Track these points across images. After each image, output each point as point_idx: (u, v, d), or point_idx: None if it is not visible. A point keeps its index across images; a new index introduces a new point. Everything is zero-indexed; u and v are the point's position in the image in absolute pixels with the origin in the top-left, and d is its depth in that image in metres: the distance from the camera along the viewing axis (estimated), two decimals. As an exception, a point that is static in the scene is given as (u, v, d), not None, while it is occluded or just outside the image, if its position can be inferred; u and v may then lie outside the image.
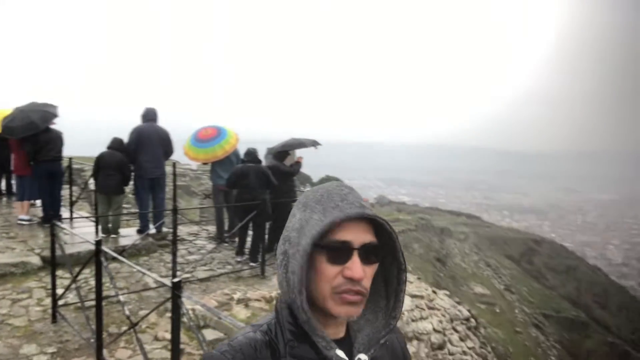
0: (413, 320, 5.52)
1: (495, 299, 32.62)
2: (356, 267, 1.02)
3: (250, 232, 8.13)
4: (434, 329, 5.62)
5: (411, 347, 5.12)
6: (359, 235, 1.04)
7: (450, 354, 5.73)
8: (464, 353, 5.97)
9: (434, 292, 6.57)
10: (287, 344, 1.07)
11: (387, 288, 1.17)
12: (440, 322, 5.76)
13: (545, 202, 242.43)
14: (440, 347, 5.58)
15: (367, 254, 1.05)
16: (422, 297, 6.00)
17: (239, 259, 7.98)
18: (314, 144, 8.62)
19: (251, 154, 7.99)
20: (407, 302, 5.82)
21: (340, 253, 1.04)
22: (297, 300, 1.05)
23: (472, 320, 6.63)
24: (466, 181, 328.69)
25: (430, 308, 5.97)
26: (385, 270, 1.16)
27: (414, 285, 6.68)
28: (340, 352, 1.07)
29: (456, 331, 6.04)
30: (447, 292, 7.79)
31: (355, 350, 1.13)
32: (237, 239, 8.28)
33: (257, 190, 7.56)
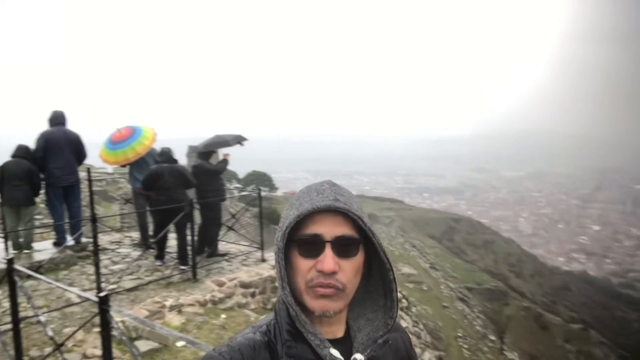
0: None
1: (422, 278, 34.21)
2: (327, 260, 1.01)
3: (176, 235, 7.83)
4: None
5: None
6: (331, 228, 1.03)
7: None
8: None
9: None
10: (285, 343, 1.06)
11: (384, 286, 1.16)
12: None
13: (461, 183, 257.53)
14: None
15: (341, 247, 1.03)
16: None
17: (158, 264, 7.67)
18: (239, 140, 8.41)
19: (165, 154, 7.62)
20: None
21: (312, 246, 1.03)
22: (284, 297, 1.06)
23: (404, 300, 6.86)
24: (388, 167, 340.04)
25: None
26: (380, 268, 1.14)
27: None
28: (334, 352, 1.06)
29: None
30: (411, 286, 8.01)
31: (354, 350, 1.11)
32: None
33: (174, 191, 7.22)
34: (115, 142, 8.49)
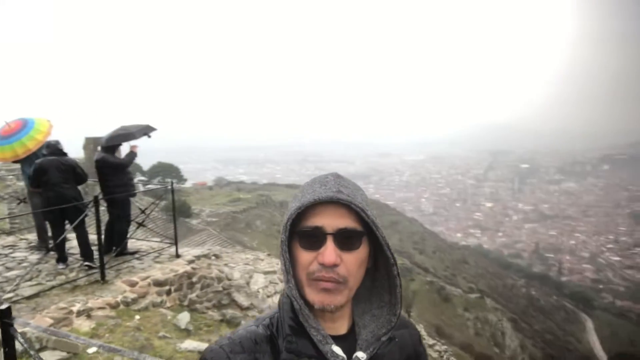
0: (268, 296, 5.69)
1: (334, 262, 35.18)
2: (328, 252, 1.00)
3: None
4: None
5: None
6: (333, 220, 1.02)
7: None
8: None
9: None
10: (285, 338, 1.05)
11: (389, 281, 1.13)
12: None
13: (369, 167, 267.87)
14: None
15: (343, 239, 1.02)
16: (274, 272, 6.18)
17: (61, 267, 7.12)
18: (147, 131, 7.97)
19: (51, 146, 7.02)
20: (261, 280, 5.97)
21: (313, 239, 1.02)
22: (288, 290, 1.06)
23: None
24: (301, 154, 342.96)
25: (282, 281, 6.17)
26: (385, 262, 1.12)
27: (265, 262, 6.84)
28: (336, 349, 1.04)
29: None
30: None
31: (357, 347, 1.09)
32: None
33: (62, 187, 6.71)
34: (3, 137, 7.65)
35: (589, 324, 61.74)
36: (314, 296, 1.02)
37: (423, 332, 27.29)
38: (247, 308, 5.55)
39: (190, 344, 4.83)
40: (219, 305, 5.64)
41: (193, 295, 5.99)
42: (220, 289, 5.84)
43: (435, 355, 23.04)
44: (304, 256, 1.03)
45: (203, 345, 4.77)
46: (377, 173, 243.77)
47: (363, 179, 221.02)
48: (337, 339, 1.08)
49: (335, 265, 1.00)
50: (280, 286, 6.18)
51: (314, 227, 1.02)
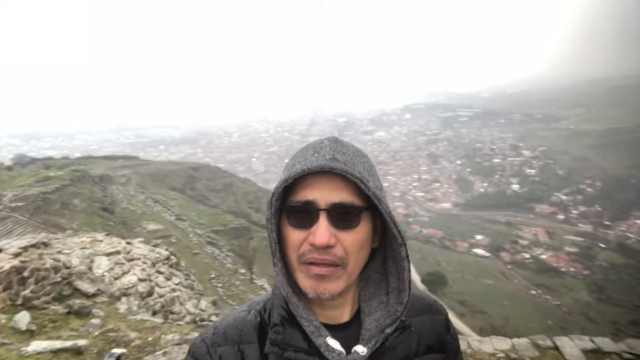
0: (116, 278, 5.51)
1: (169, 231, 34.14)
2: (320, 231, 0.85)
3: None
4: (139, 279, 5.78)
5: (121, 305, 5.21)
6: (327, 194, 0.87)
7: (160, 296, 6.07)
8: (173, 290, 6.42)
9: (129, 243, 6.61)
10: (272, 328, 0.93)
11: (396, 264, 0.99)
12: (144, 270, 5.95)
13: (196, 131, 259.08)
14: (149, 293, 5.84)
15: (339, 216, 0.87)
16: (118, 252, 5.97)
17: None
18: None
19: None
20: (104, 263, 5.74)
21: (303, 215, 0.88)
22: (275, 275, 0.94)
23: (173, 257, 7.07)
24: (115, 123, 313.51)
25: (129, 260, 6.04)
26: (392, 242, 0.97)
27: (104, 243, 6.50)
28: (332, 342, 0.92)
29: (160, 273, 6.35)
30: (142, 239, 7.92)
31: (361, 340, 0.95)
32: None
33: None
34: None
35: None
36: (306, 283, 0.89)
37: (266, 285, 28.75)
38: (95, 295, 5.29)
39: (38, 345, 4.49)
40: (60, 298, 5.25)
41: (27, 292, 5.47)
42: (59, 279, 5.41)
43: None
44: (294, 235, 0.89)
45: (55, 344, 4.49)
46: (205, 136, 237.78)
47: (190, 143, 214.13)
48: (337, 329, 0.95)
49: (329, 247, 0.86)
50: (128, 265, 6.05)
51: (304, 201, 0.87)
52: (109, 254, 5.71)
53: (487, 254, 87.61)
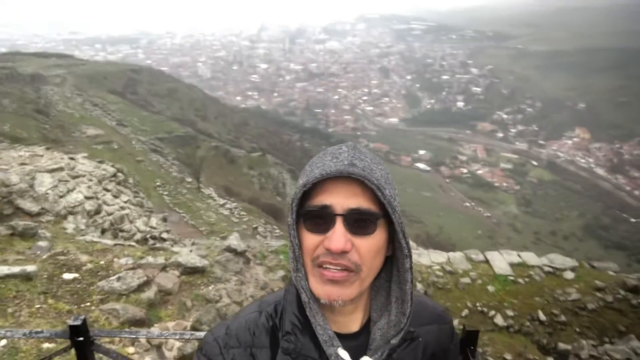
0: (61, 197, 5.27)
1: (110, 137, 32.83)
2: (336, 236, 0.85)
3: None
4: (86, 197, 5.56)
5: (68, 224, 5.05)
6: (344, 199, 0.87)
7: (109, 214, 5.92)
8: (122, 208, 6.28)
9: (72, 159, 6.26)
10: (284, 337, 0.93)
11: (399, 274, 0.99)
12: (90, 187, 5.71)
13: (136, 30, 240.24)
14: (97, 211, 5.68)
15: (356, 222, 0.87)
16: (61, 169, 5.65)
17: None
18: None
19: None
20: (47, 180, 5.44)
21: (320, 220, 0.88)
22: (296, 280, 0.93)
23: (120, 174, 6.82)
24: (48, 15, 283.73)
25: (74, 177, 5.75)
26: (397, 254, 0.97)
27: (45, 157, 6.10)
28: (342, 353, 0.91)
29: (108, 190, 6.14)
30: (86, 154, 7.53)
31: (369, 350, 0.96)
32: None
33: None
34: None
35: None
36: (319, 288, 0.89)
37: (213, 194, 28.93)
38: (38, 214, 5.05)
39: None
40: (1, 217, 4.97)
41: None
42: (-2, 197, 5.09)
43: (227, 212, 25.04)
44: (309, 239, 0.89)
45: (1, 269, 4.20)
46: (146, 36, 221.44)
47: (130, 42, 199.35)
48: (347, 338, 0.95)
49: (344, 252, 0.85)
50: (72, 183, 5.78)
51: (320, 206, 0.87)
52: (51, 171, 5.40)
53: (428, 168, 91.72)
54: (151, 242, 5.85)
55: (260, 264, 5.56)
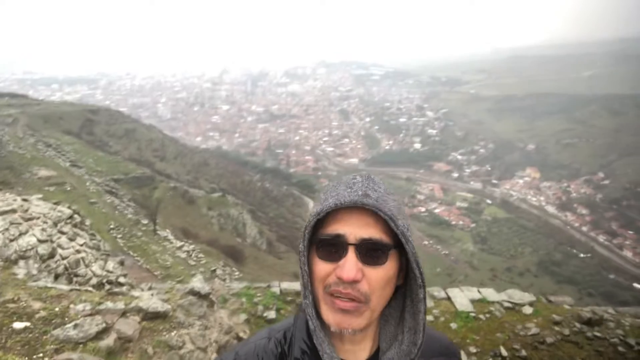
0: (12, 240, 5.00)
1: (64, 178, 31.72)
2: (347, 265, 0.86)
3: None
4: (39, 240, 5.28)
5: (19, 269, 4.77)
6: (357, 229, 0.89)
7: (63, 258, 5.64)
8: (78, 251, 6.00)
9: (25, 200, 5.98)
10: None
11: (412, 305, 1.00)
12: (44, 230, 5.44)
13: (93, 70, 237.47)
14: (51, 255, 5.39)
15: (368, 252, 0.89)
16: (14, 210, 5.38)
17: None
18: None
19: None
20: (-2, 223, 5.16)
21: (332, 249, 0.90)
22: (305, 307, 0.94)
23: (77, 216, 6.55)
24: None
25: (27, 220, 5.48)
26: (411, 284, 0.98)
27: (-5, 200, 5.82)
28: None
29: (63, 233, 5.87)
30: (40, 196, 7.23)
31: None
32: None
33: None
34: None
35: (312, 205, 73.61)
36: (330, 317, 0.89)
37: (170, 236, 28.15)
38: None
39: None
40: None
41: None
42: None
43: (184, 255, 24.35)
44: (321, 267, 0.90)
45: None
46: (105, 77, 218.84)
47: (88, 83, 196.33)
48: None
49: (355, 282, 0.87)
50: (25, 225, 5.49)
51: (334, 235, 0.89)
52: (2, 213, 5.13)
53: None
54: (108, 286, 5.60)
55: (223, 307, 5.41)
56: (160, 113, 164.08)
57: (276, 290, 7.78)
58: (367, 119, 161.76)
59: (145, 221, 28.92)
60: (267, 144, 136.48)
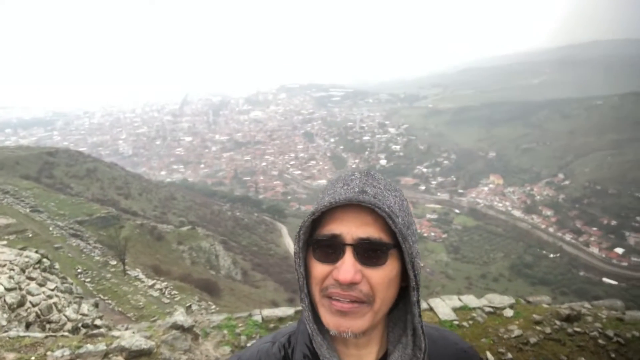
0: None
1: (23, 225, 30.52)
2: (345, 267, 0.81)
3: None
4: (6, 289, 4.99)
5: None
6: (354, 228, 0.84)
7: (34, 305, 5.35)
8: (49, 297, 5.71)
9: None
10: None
11: (405, 307, 0.96)
12: (11, 278, 5.15)
13: (50, 112, 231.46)
14: (21, 303, 5.10)
15: (366, 252, 0.83)
16: None
17: None
18: None
19: None
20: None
21: (329, 250, 0.85)
22: (302, 311, 0.90)
23: (46, 260, 6.26)
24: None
25: None
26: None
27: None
28: None
29: (32, 279, 5.58)
30: (5, 242, 6.90)
31: None
32: None
33: None
34: None
35: (284, 230, 73.19)
36: (328, 319, 0.84)
37: (141, 275, 27.34)
38: None
39: None
40: None
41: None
42: None
43: (156, 293, 23.67)
44: (318, 270, 0.86)
45: None
46: (61, 117, 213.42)
47: (44, 125, 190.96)
48: None
49: (353, 284, 0.82)
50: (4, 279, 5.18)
51: (330, 235, 0.84)
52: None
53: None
54: (84, 330, 5.35)
55: (206, 340, 5.24)
56: (122, 150, 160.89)
57: (258, 318, 7.62)
58: (332, 140, 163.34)
59: (113, 262, 28.15)
60: (233, 173, 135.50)
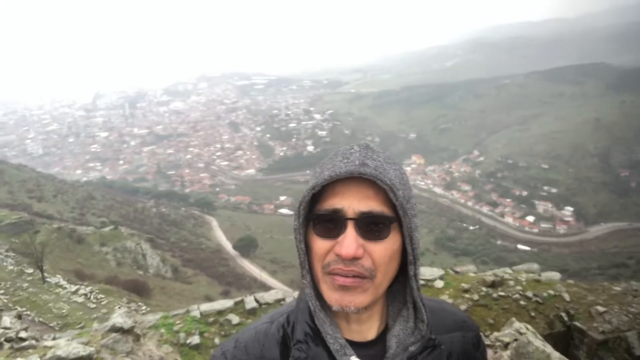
0: None
1: None
2: (347, 242, 0.80)
3: None
4: None
5: None
6: (356, 202, 0.82)
7: None
8: None
9: None
10: (295, 345, 0.88)
11: (404, 281, 0.95)
12: None
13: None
14: None
15: (368, 226, 0.82)
16: None
17: None
18: None
19: None
20: None
21: (330, 225, 0.84)
22: (304, 287, 0.90)
23: None
24: None
25: None
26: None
27: None
28: None
29: None
30: None
31: (386, 359, 0.90)
32: None
33: None
34: None
35: (214, 223, 71.80)
36: (330, 295, 0.84)
37: (62, 282, 25.77)
38: None
39: None
40: None
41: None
42: None
43: (81, 299, 22.52)
44: (320, 245, 0.85)
45: None
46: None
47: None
48: (362, 347, 0.91)
49: (356, 258, 0.81)
50: None
51: (331, 210, 0.83)
52: None
53: (291, 212, 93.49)
54: (8, 344, 4.95)
55: (150, 340, 5.08)
56: (30, 150, 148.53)
57: (196, 314, 7.50)
58: (258, 129, 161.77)
59: (30, 270, 26.39)
60: (156, 167, 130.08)
